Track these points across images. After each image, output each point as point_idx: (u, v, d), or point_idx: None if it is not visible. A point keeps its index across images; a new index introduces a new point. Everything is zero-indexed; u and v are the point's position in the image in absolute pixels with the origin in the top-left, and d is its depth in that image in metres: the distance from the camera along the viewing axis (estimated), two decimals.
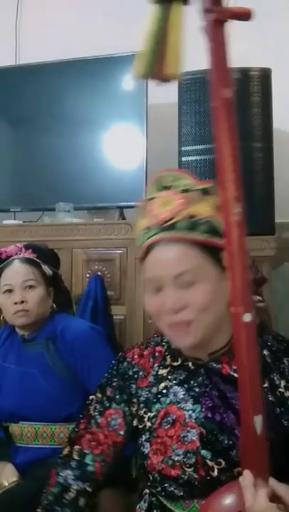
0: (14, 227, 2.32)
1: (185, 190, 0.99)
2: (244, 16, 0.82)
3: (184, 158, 2.02)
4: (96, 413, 1.11)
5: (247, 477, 0.84)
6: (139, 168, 2.29)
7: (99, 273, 2.13)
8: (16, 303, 1.60)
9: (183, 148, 2.03)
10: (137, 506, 1.11)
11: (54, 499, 1.06)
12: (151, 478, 1.01)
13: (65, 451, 1.11)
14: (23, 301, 1.60)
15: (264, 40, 2.24)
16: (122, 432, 1.08)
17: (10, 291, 1.63)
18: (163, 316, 0.99)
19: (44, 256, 1.72)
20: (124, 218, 2.33)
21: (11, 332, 1.73)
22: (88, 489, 1.06)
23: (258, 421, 0.83)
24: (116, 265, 2.14)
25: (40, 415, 1.57)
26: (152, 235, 0.99)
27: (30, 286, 1.63)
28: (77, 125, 2.45)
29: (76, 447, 1.09)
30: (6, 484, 1.49)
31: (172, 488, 0.98)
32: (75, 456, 1.08)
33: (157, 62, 0.79)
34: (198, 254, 0.97)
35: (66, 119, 2.47)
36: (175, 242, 0.97)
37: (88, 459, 1.07)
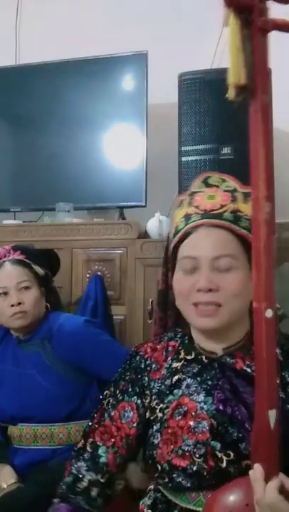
0: (14, 227, 2.32)
1: (230, 191, 1.07)
2: (287, 27, 0.88)
3: (184, 158, 2.02)
4: (109, 406, 1.14)
5: (257, 470, 0.85)
6: (139, 168, 2.29)
7: (99, 273, 2.13)
8: (12, 305, 1.60)
9: (183, 148, 2.03)
10: (141, 502, 1.13)
11: (67, 488, 1.09)
12: (159, 468, 1.02)
13: (79, 445, 1.14)
14: (19, 303, 1.60)
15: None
16: (134, 425, 1.10)
17: (5, 294, 1.62)
18: (192, 295, 1.02)
19: (33, 256, 1.72)
20: (124, 218, 2.33)
21: (5, 334, 1.72)
22: (101, 480, 1.09)
23: (272, 415, 0.85)
24: (116, 265, 2.14)
25: (41, 415, 1.57)
26: (196, 220, 1.05)
27: (26, 288, 1.63)
28: (77, 125, 2.45)
29: (89, 440, 1.12)
30: (5, 486, 1.49)
31: (180, 479, 1.00)
32: (88, 449, 1.11)
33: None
34: (238, 244, 1.03)
35: (66, 119, 2.47)
36: (218, 227, 1.03)
37: (101, 451, 1.10)
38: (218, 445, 0.98)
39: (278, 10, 0.89)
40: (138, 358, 1.16)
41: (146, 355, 1.15)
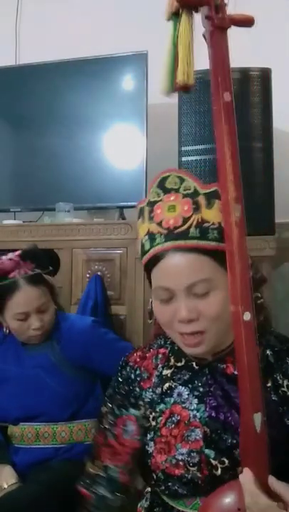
0: (14, 227, 2.32)
1: (190, 195, 0.97)
2: (246, 23, 0.85)
3: (184, 158, 2.02)
4: (110, 425, 1.12)
5: (247, 475, 0.84)
6: (139, 168, 2.29)
7: (99, 273, 2.13)
8: (34, 329, 1.58)
9: (183, 148, 2.02)
10: (138, 505, 1.13)
11: (98, 503, 1.10)
12: (154, 476, 1.02)
13: (90, 470, 1.13)
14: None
15: (264, 40, 2.24)
16: (138, 437, 1.09)
17: (25, 317, 1.57)
18: (175, 325, 0.99)
19: (40, 261, 1.66)
20: (124, 218, 2.33)
21: (5, 335, 1.69)
22: (123, 489, 1.10)
23: (258, 418, 0.84)
24: (116, 265, 2.14)
25: (46, 415, 1.57)
26: (161, 243, 0.97)
27: (45, 308, 1.60)
28: (77, 125, 2.45)
29: (99, 463, 1.11)
30: (6, 486, 1.49)
31: (176, 487, 0.99)
32: (101, 473, 1.10)
33: (174, 74, 0.83)
34: (210, 262, 0.95)
35: (66, 119, 2.47)
36: (187, 250, 0.95)
37: (113, 472, 1.10)
38: (212, 453, 0.97)
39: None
40: (128, 368, 1.14)
41: (135, 365, 1.13)
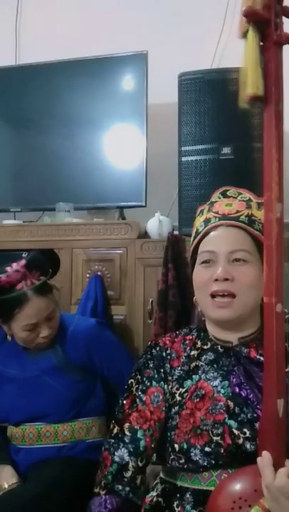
0: (14, 227, 2.32)
1: (245, 201, 1.21)
2: None
3: (183, 158, 2.02)
4: (139, 392, 1.17)
5: (266, 457, 0.90)
6: (139, 168, 2.29)
7: (99, 273, 2.13)
8: (44, 337, 1.57)
9: (183, 148, 2.02)
10: (147, 496, 1.15)
11: (113, 478, 1.10)
12: (177, 448, 1.06)
13: (115, 431, 1.16)
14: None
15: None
16: (164, 408, 1.14)
17: (34, 328, 1.56)
18: (210, 285, 1.13)
19: (44, 267, 1.63)
20: (124, 218, 2.33)
21: (5, 336, 1.67)
22: (141, 465, 1.11)
23: (281, 404, 0.91)
24: (116, 265, 2.14)
25: (49, 416, 1.57)
26: (214, 222, 1.18)
27: (53, 315, 1.60)
28: (78, 125, 2.45)
29: (126, 425, 1.14)
30: (6, 486, 1.49)
31: (197, 458, 1.04)
32: (127, 433, 1.13)
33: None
34: (252, 243, 1.15)
35: (66, 119, 2.47)
36: (235, 227, 1.16)
37: (140, 434, 1.13)
38: (235, 424, 1.05)
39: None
40: (158, 348, 1.22)
41: (165, 346, 1.22)
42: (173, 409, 1.12)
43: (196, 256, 1.20)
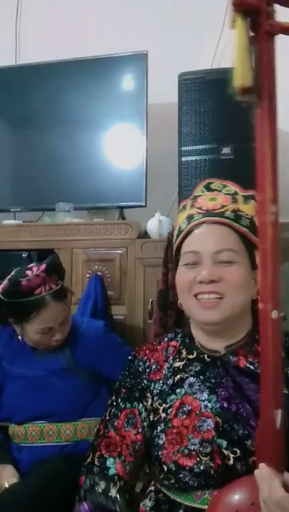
0: (14, 227, 2.32)
1: (231, 194, 1.10)
2: None
3: (183, 158, 2.02)
4: (112, 416, 1.14)
5: (264, 469, 0.86)
6: (139, 168, 2.29)
7: (99, 273, 2.13)
8: (56, 340, 1.58)
9: (183, 148, 2.03)
10: (141, 504, 1.13)
11: (85, 492, 1.09)
12: (165, 468, 1.02)
13: (88, 460, 1.14)
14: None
15: None
16: (140, 430, 1.10)
17: (49, 331, 1.56)
18: (194, 287, 1.04)
19: (61, 271, 1.63)
20: (124, 218, 2.33)
21: (13, 335, 1.68)
22: (116, 487, 1.08)
23: (278, 415, 0.86)
24: (116, 265, 2.14)
25: (54, 416, 1.57)
26: (198, 219, 1.08)
27: (67, 319, 1.60)
28: (77, 125, 2.45)
29: (97, 454, 1.12)
30: (7, 485, 1.49)
31: (187, 479, 0.99)
32: (96, 462, 1.11)
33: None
34: (238, 240, 1.05)
35: (66, 119, 2.47)
36: (220, 224, 1.06)
37: (108, 463, 1.10)
38: (224, 443, 0.98)
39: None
40: (136, 361, 1.16)
41: (144, 357, 1.15)
42: (158, 427, 1.06)
43: (179, 256, 1.11)
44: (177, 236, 1.13)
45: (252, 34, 0.83)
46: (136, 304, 2.09)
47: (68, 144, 2.46)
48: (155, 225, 2.18)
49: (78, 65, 2.46)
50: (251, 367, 1.04)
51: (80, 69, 2.45)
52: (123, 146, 2.36)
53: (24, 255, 2.21)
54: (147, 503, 1.11)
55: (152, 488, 1.12)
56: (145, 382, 1.12)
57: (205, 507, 0.97)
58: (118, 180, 2.34)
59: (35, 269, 1.53)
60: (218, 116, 1.96)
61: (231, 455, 0.97)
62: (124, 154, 2.36)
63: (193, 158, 2.00)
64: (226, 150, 1.95)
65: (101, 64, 2.42)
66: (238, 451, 0.97)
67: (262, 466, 0.86)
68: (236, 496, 0.90)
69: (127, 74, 2.38)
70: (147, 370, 1.13)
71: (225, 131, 1.95)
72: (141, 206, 2.28)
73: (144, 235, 2.21)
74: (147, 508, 1.10)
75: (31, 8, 2.85)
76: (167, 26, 2.55)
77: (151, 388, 1.11)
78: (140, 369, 1.14)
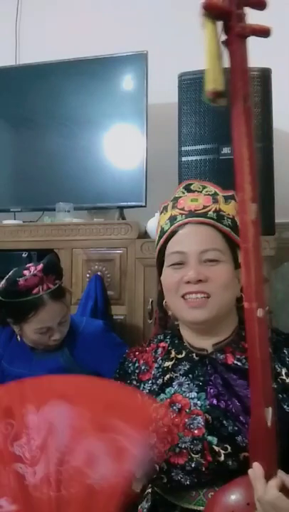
0: (14, 227, 2.32)
1: (211, 194, 1.13)
2: (263, 32, 0.90)
3: (183, 158, 2.02)
4: None
5: (257, 469, 0.86)
6: (139, 168, 2.29)
7: (99, 273, 2.13)
8: (54, 340, 1.58)
9: (183, 148, 2.03)
10: (139, 506, 1.12)
11: None
12: (157, 468, 1.02)
13: None
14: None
15: (264, 40, 2.24)
16: None
17: (47, 331, 1.57)
18: (181, 287, 1.05)
19: (59, 271, 1.63)
20: (124, 218, 2.33)
21: (12, 335, 1.69)
22: None
23: (269, 413, 0.86)
24: (116, 265, 2.14)
25: None
26: (181, 220, 1.09)
27: (65, 319, 1.60)
28: (78, 125, 2.45)
29: None
30: None
31: (179, 477, 1.00)
32: None
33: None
34: (222, 240, 1.07)
35: (66, 119, 2.47)
36: (204, 224, 1.08)
37: None
38: (215, 439, 0.99)
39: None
40: (126, 363, 1.17)
41: (134, 359, 1.17)
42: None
43: (163, 258, 1.12)
44: (160, 237, 1.14)
45: (224, 37, 0.85)
46: (136, 304, 2.09)
47: (68, 143, 2.46)
48: (155, 225, 2.17)
49: (78, 65, 2.46)
50: (239, 363, 1.06)
51: (80, 69, 2.45)
52: (123, 146, 2.36)
53: (24, 255, 2.21)
54: (144, 504, 1.11)
55: (149, 490, 1.11)
56: (134, 383, 1.13)
57: (200, 508, 0.98)
58: (118, 180, 2.34)
59: (32, 268, 1.53)
60: (218, 116, 1.96)
61: (222, 451, 0.98)
62: (124, 154, 2.36)
63: (193, 158, 2.00)
64: (226, 150, 1.95)
65: (101, 64, 2.42)
66: (229, 448, 0.98)
67: (255, 465, 0.86)
68: (232, 497, 0.90)
69: (127, 74, 2.38)
70: (136, 371, 1.14)
71: (225, 131, 1.94)
72: (141, 206, 2.28)
73: (144, 235, 2.21)
74: (144, 510, 1.10)
75: (31, 8, 2.86)
76: (167, 26, 2.55)
77: (141, 389, 1.11)
78: (129, 370, 1.15)
